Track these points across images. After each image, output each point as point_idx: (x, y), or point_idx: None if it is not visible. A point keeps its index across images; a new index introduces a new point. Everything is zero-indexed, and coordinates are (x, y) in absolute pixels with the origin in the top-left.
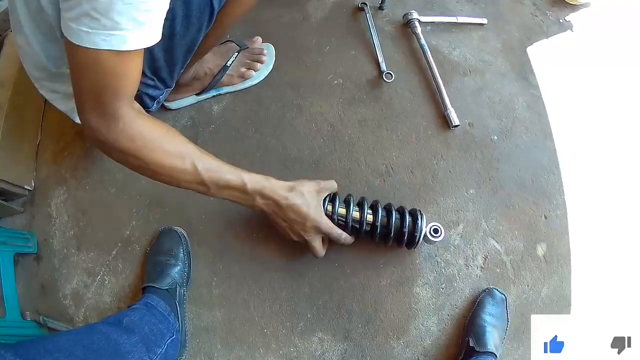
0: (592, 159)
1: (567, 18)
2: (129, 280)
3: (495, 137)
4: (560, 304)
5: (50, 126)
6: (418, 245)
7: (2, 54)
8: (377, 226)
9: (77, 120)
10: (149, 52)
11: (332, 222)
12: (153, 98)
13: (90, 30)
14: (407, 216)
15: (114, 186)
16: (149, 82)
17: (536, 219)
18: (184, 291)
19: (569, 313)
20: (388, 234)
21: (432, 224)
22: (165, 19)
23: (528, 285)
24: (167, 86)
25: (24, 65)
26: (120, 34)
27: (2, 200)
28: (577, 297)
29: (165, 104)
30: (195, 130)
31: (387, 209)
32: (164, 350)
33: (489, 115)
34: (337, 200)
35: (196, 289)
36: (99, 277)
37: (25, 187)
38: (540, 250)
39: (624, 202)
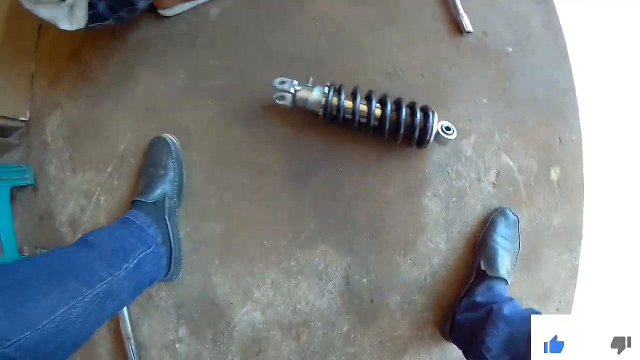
0: (609, 86)
1: None
2: (124, 197)
3: (510, 49)
4: (571, 235)
5: (43, 53)
6: (429, 145)
7: None
8: (385, 121)
9: (62, 27)
10: None
11: (338, 115)
12: None
13: None
14: (419, 112)
15: (109, 101)
16: None
17: (551, 141)
18: (174, 203)
19: (578, 252)
20: (397, 130)
21: (444, 121)
22: None
23: (540, 211)
24: None
25: None
26: None
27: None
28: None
29: (160, 11)
30: (192, 36)
31: (397, 104)
32: (132, 264)
33: (504, 26)
34: (343, 91)
35: (193, 201)
36: (94, 197)
37: (21, 119)
38: (554, 174)
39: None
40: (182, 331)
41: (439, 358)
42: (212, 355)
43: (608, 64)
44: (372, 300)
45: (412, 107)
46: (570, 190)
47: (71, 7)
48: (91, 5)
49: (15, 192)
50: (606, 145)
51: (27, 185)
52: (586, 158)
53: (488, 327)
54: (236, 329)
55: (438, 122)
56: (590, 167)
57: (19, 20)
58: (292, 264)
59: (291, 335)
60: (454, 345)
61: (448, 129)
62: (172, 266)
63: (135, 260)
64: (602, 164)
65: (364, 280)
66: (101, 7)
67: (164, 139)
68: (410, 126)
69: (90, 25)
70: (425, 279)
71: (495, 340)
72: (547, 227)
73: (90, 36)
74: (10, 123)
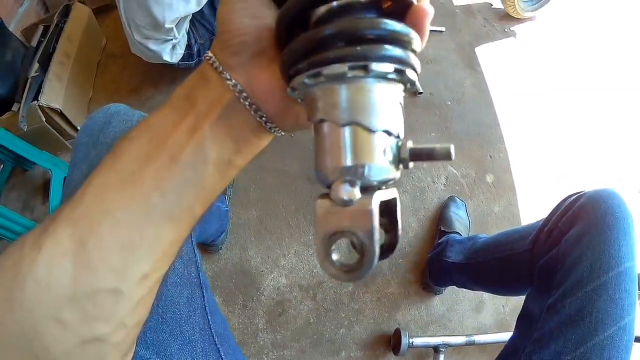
0: (523, 121)
1: (512, 28)
2: None
3: (449, 102)
4: (511, 220)
5: (103, 84)
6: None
7: (70, 18)
8: None
9: (165, 58)
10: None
11: None
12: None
13: None
14: None
15: None
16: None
17: (483, 157)
18: (230, 192)
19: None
20: None
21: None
22: None
23: (482, 202)
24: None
25: (128, 16)
26: None
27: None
28: (525, 218)
29: None
30: None
31: None
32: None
33: (444, 89)
34: None
35: (236, 194)
36: None
37: (78, 127)
38: (489, 178)
39: (551, 149)
40: (216, 299)
41: (426, 312)
42: (240, 320)
43: (522, 106)
44: None
45: None
46: (503, 189)
47: (174, 46)
48: (188, 46)
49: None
50: (528, 158)
51: None
52: (514, 167)
53: (447, 247)
54: (264, 293)
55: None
56: (519, 174)
57: (87, 52)
58: (310, 237)
59: (309, 295)
60: (437, 301)
61: None
62: (225, 233)
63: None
64: (527, 170)
65: None
66: (195, 48)
67: None
68: None
69: (180, 63)
70: (405, 248)
71: (452, 251)
72: (489, 213)
73: (150, 79)
74: (68, 129)
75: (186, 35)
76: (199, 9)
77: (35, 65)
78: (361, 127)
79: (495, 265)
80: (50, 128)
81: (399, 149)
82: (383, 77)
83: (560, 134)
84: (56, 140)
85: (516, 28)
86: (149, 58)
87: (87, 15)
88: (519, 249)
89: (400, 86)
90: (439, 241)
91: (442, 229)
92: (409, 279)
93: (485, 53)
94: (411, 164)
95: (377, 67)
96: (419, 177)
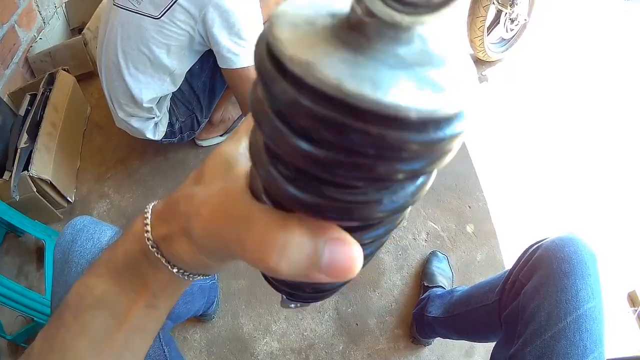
0: (500, 167)
1: (483, 73)
2: None
3: None
4: (495, 266)
5: (90, 154)
6: None
7: (55, 87)
8: None
9: (149, 136)
10: (202, 82)
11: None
12: (197, 125)
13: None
14: None
15: (155, 197)
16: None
17: (462, 208)
18: None
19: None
20: None
21: None
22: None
23: (464, 252)
24: (204, 117)
25: (110, 93)
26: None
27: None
28: (508, 262)
29: (197, 141)
30: None
31: None
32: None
33: None
34: None
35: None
36: None
37: (68, 198)
38: (469, 228)
39: (530, 191)
40: None
41: None
42: None
43: (497, 152)
44: (356, 324)
45: None
46: (485, 237)
47: (156, 124)
48: (170, 124)
49: None
50: (506, 203)
51: None
52: (494, 214)
53: (428, 303)
54: (258, 358)
55: None
56: (499, 220)
57: (73, 122)
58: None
59: (301, 357)
60: (427, 352)
61: None
62: (216, 303)
63: (209, 282)
64: (508, 215)
65: (349, 310)
66: (177, 126)
67: None
68: None
69: (163, 139)
70: (392, 305)
71: (433, 306)
72: (472, 262)
73: (136, 150)
74: (57, 198)
75: (167, 114)
76: (176, 89)
77: (25, 136)
78: None
79: (471, 317)
80: (42, 198)
81: None
82: None
83: (540, 175)
84: (47, 210)
85: (488, 72)
86: (133, 134)
87: (72, 84)
88: (488, 301)
89: None
90: (422, 297)
91: (425, 284)
92: (398, 334)
93: None
94: None
95: None
96: (400, 236)
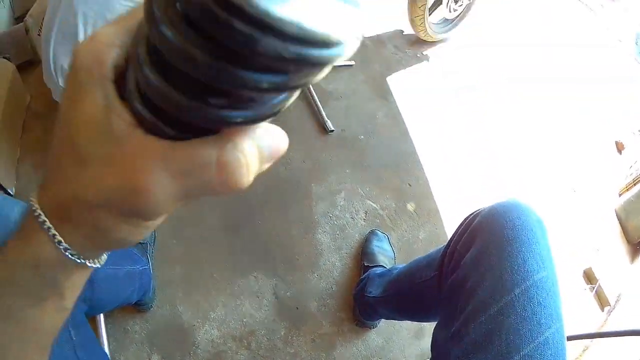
0: (440, 144)
1: (424, 52)
2: None
3: (362, 137)
4: (438, 243)
5: (30, 144)
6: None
7: None
8: None
9: None
10: None
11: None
12: None
13: None
14: None
15: None
16: None
17: (402, 187)
18: (152, 250)
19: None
20: None
21: None
22: None
23: (406, 231)
24: None
25: (57, 62)
26: None
27: None
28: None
29: None
30: None
31: None
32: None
33: (357, 123)
34: None
35: (159, 250)
36: None
37: (8, 190)
38: (410, 207)
39: (473, 166)
40: (155, 357)
41: (364, 347)
42: None
43: (437, 130)
44: (297, 308)
45: None
46: (427, 215)
47: None
48: None
49: None
50: (448, 180)
51: None
52: (435, 192)
53: (368, 283)
54: (200, 347)
55: None
56: (441, 198)
57: (12, 112)
58: (235, 288)
59: (243, 345)
60: (373, 335)
61: None
62: (152, 291)
63: (140, 267)
64: (450, 191)
65: (288, 293)
66: None
67: None
68: None
69: None
70: (332, 287)
71: (372, 285)
72: (415, 240)
73: None
74: None
75: None
76: None
77: None
78: None
79: (411, 294)
80: None
81: None
82: None
83: (481, 149)
84: None
85: (429, 52)
86: None
87: (11, 73)
88: (427, 276)
89: None
90: (362, 277)
91: (366, 264)
92: (341, 317)
93: (397, 81)
94: None
95: None
96: (337, 216)
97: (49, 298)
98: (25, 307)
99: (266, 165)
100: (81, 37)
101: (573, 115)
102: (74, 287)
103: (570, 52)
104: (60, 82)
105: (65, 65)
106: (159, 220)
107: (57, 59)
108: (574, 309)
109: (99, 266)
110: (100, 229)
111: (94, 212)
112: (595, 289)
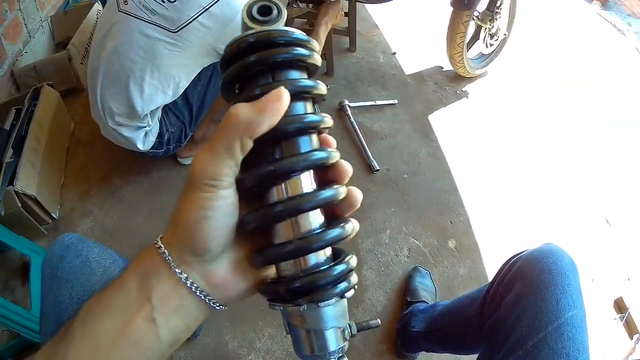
0: (480, 181)
1: (463, 89)
2: None
3: (406, 176)
4: (478, 279)
5: (73, 170)
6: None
7: (40, 102)
8: None
9: (138, 145)
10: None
11: None
12: (185, 137)
13: None
14: None
15: (139, 216)
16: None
17: (444, 224)
18: None
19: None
20: None
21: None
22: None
23: (447, 267)
24: (191, 129)
25: (103, 102)
26: None
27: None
28: (491, 275)
29: (179, 159)
30: None
31: None
32: None
33: (400, 162)
34: None
35: None
36: None
37: (52, 214)
38: (451, 244)
39: (511, 202)
40: None
41: None
42: None
43: (477, 167)
44: None
45: None
46: (467, 252)
47: (146, 133)
48: (159, 134)
49: None
50: (489, 217)
51: None
52: (476, 229)
53: (411, 318)
54: None
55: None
56: (481, 234)
57: (57, 138)
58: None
59: None
60: None
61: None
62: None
63: None
64: (490, 228)
65: None
66: (166, 137)
67: None
68: None
69: (150, 150)
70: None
71: (416, 320)
72: (456, 276)
73: (119, 168)
74: (42, 214)
75: (158, 124)
76: (174, 99)
77: (10, 151)
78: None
79: (453, 330)
80: (26, 214)
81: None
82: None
83: (520, 189)
84: (32, 226)
85: (468, 88)
86: (120, 143)
87: (56, 100)
88: (470, 314)
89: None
90: (405, 312)
91: (408, 299)
92: (382, 349)
93: (439, 120)
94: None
95: (349, 294)
96: (381, 253)
97: (140, 304)
98: (120, 306)
99: None
100: (129, 82)
101: (607, 145)
102: (164, 302)
103: (606, 80)
104: (110, 123)
105: (114, 108)
106: None
107: (104, 101)
108: (603, 339)
109: None
110: None
111: None
112: (625, 317)
